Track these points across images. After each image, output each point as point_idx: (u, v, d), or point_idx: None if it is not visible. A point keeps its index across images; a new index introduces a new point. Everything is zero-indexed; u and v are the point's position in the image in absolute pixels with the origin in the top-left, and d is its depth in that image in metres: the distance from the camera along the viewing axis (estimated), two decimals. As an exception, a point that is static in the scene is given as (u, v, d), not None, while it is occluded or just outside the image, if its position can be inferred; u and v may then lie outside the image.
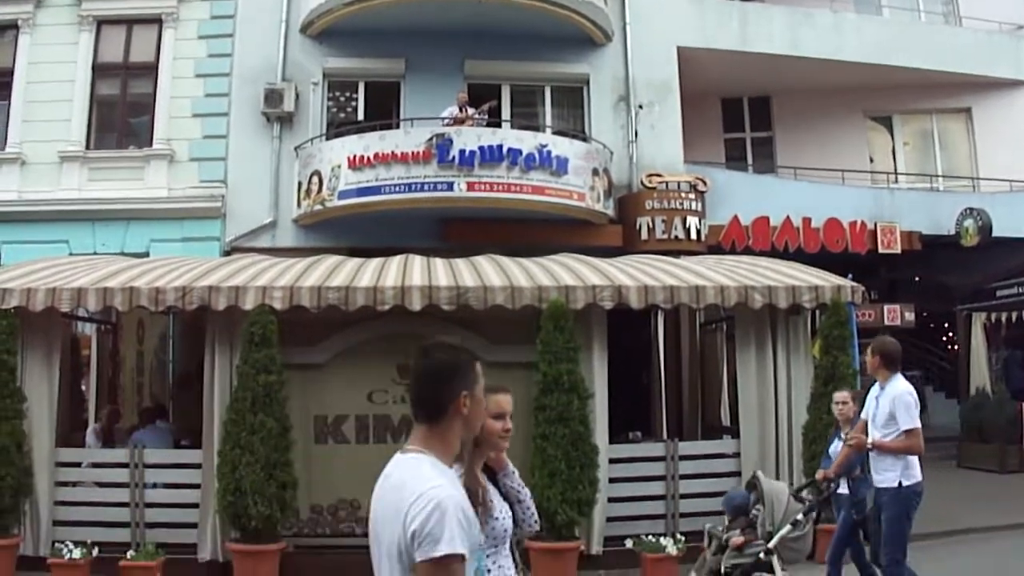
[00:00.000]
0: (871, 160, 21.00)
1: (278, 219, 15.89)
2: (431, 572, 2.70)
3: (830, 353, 11.12)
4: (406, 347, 10.98)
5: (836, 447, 8.58)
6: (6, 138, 16.31)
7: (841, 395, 8.93)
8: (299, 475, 10.50)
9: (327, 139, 15.73)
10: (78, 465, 11.24)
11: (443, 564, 2.69)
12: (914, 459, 7.46)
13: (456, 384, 3.02)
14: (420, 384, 3.06)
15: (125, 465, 10.78)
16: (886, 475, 7.44)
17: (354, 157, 14.62)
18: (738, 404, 11.65)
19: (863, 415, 7.89)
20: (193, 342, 12.82)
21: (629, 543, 10.45)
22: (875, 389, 7.73)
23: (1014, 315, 18.16)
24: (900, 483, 7.35)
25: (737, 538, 7.35)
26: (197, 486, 10.71)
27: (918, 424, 7.38)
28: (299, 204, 15.54)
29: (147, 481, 10.78)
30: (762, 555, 7.14)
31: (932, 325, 23.46)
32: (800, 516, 7.25)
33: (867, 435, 7.62)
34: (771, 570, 7.16)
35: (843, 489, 8.35)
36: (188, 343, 14.12)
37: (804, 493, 8.20)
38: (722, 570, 7.29)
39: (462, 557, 2.71)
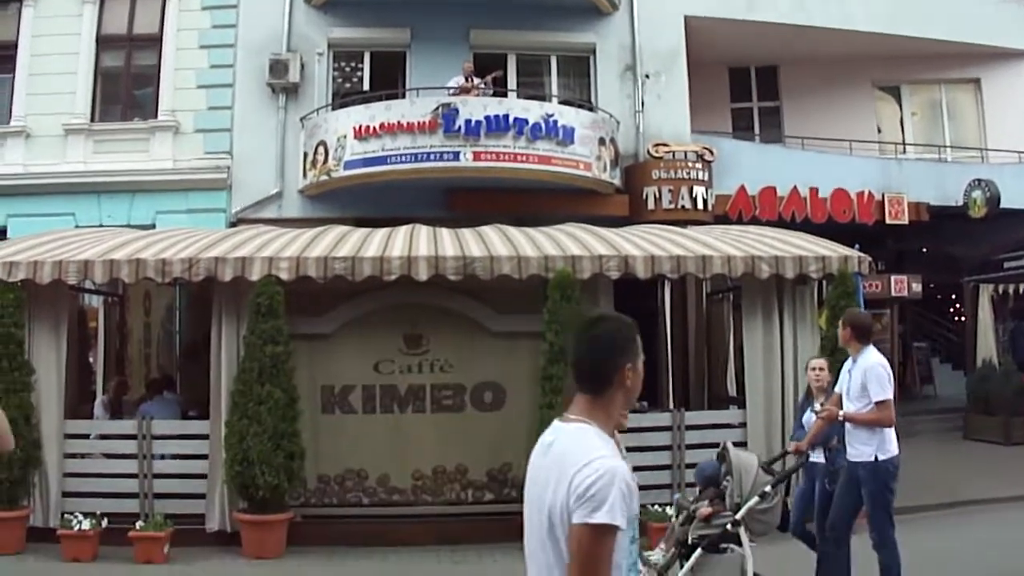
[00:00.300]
0: (879, 130, 20.89)
1: (284, 190, 15.86)
2: (585, 536, 2.74)
3: (836, 324, 11.07)
4: (412, 317, 11.10)
5: (808, 418, 8.50)
6: (11, 111, 16.27)
7: (818, 362, 8.83)
8: (306, 445, 10.55)
9: (332, 109, 15.65)
10: (86, 437, 11.30)
11: (598, 531, 2.73)
12: (890, 432, 7.44)
13: (622, 356, 3.01)
14: (586, 354, 3.03)
15: (133, 436, 10.83)
16: (862, 449, 7.42)
17: (360, 127, 14.56)
18: (744, 374, 11.65)
19: (837, 388, 7.84)
20: (200, 313, 12.83)
21: (635, 513, 10.47)
22: (848, 362, 7.69)
23: (1021, 287, 18.12)
24: (876, 457, 7.34)
25: (704, 509, 7.27)
26: (205, 457, 10.75)
27: (890, 396, 7.34)
28: (305, 175, 15.51)
29: (155, 452, 10.82)
30: (729, 526, 7.09)
31: (939, 296, 23.45)
32: (769, 488, 7.17)
33: (841, 408, 7.59)
34: (738, 541, 7.12)
35: (819, 458, 8.30)
36: (195, 314, 14.15)
37: (775, 465, 8.16)
38: (689, 540, 7.26)
39: (616, 529, 2.74)
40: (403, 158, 14.31)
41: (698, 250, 11.15)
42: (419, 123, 14.30)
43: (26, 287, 10.49)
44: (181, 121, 16.03)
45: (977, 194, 18.62)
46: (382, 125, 14.43)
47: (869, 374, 7.36)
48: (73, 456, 10.92)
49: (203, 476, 10.71)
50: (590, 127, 15.24)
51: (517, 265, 10.55)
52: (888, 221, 17.86)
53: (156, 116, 16.18)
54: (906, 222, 18.11)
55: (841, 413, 7.54)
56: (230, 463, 10.15)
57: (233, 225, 14.94)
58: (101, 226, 14.40)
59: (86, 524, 9.95)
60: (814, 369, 8.73)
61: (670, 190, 15.70)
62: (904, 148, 20.74)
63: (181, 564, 9.87)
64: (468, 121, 14.26)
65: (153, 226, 14.55)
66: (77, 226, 14.63)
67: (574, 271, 10.58)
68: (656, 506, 10.35)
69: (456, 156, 14.24)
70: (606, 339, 3.03)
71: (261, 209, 15.69)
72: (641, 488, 9.42)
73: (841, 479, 7.68)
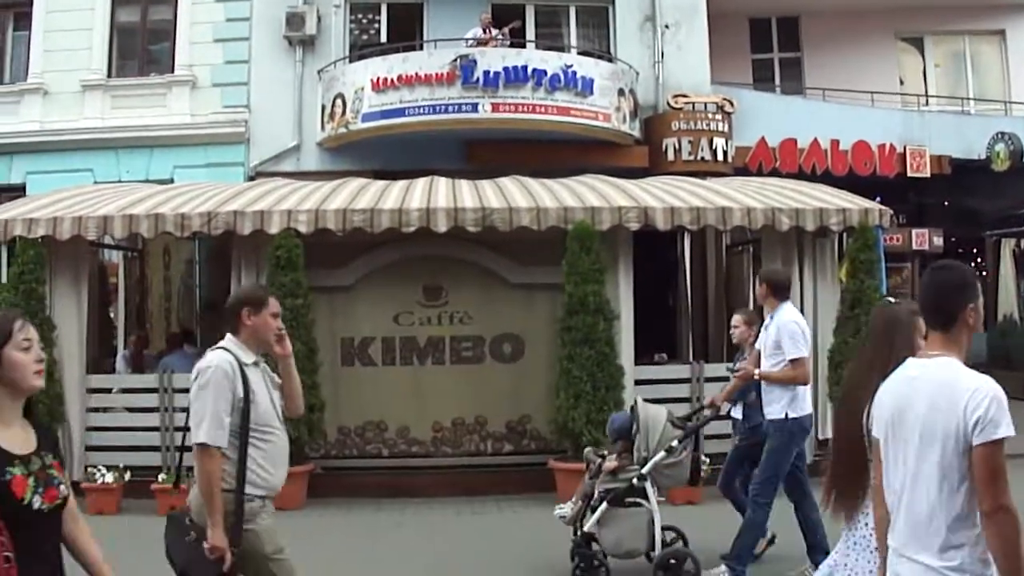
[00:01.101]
0: (901, 82, 20.65)
1: (302, 143, 15.80)
2: (990, 452, 3.16)
3: (857, 277, 11.03)
4: (432, 269, 11.10)
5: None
6: (27, 68, 16.25)
7: (736, 318, 8.50)
8: (326, 398, 10.61)
9: (350, 62, 15.56)
10: (108, 391, 11.34)
11: (1000, 445, 3.16)
12: (803, 391, 7.29)
13: (966, 295, 3.43)
14: (934, 294, 3.49)
15: (155, 390, 10.88)
16: (774, 407, 7.27)
17: (377, 79, 14.48)
18: (764, 327, 11.60)
19: (757, 345, 7.65)
20: (219, 267, 12.87)
21: (655, 464, 10.50)
22: (767, 319, 7.53)
23: (1044, 242, 17.97)
24: (786, 415, 7.17)
25: (610, 463, 7.22)
26: (226, 409, 10.78)
27: (804, 353, 7.21)
28: (323, 127, 15.44)
29: (176, 405, 10.87)
30: (635, 481, 7.07)
31: (960, 251, 23.23)
32: (675, 443, 7.10)
33: (759, 366, 7.43)
34: (645, 495, 7.10)
35: (739, 414, 8.15)
36: (214, 268, 14.18)
37: (696, 419, 8.01)
38: (595, 494, 7.23)
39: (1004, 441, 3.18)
40: (421, 110, 14.24)
41: (718, 202, 11.08)
42: (437, 75, 14.20)
43: (46, 243, 10.51)
44: (198, 75, 15.96)
45: (1000, 147, 18.44)
46: (400, 77, 14.33)
47: (783, 331, 7.22)
48: (95, 410, 11.01)
49: (224, 429, 10.75)
50: (609, 78, 15.11)
51: (536, 216, 10.52)
52: (910, 174, 17.69)
53: (173, 71, 16.12)
54: (928, 175, 17.95)
55: (756, 371, 7.42)
56: (250, 416, 10.18)
57: (251, 179, 14.88)
58: (120, 182, 14.41)
59: (109, 477, 10.04)
60: (735, 326, 8.38)
61: (690, 141, 15.55)
62: (927, 100, 20.52)
63: (203, 515, 9.94)
64: (486, 72, 14.16)
65: (171, 181, 14.54)
66: (96, 182, 14.63)
67: (593, 222, 10.53)
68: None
69: (474, 108, 14.17)
70: (951, 280, 3.49)
71: (279, 162, 15.65)
72: (661, 439, 9.35)
73: (767, 443, 7.39)
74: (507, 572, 8.01)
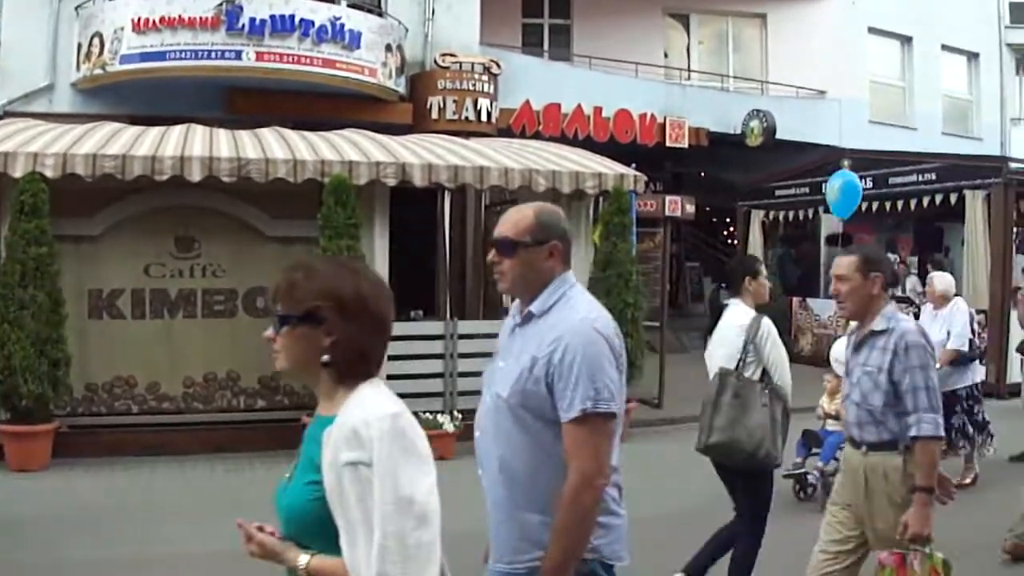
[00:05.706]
0: (666, 56, 21.53)
1: (56, 82, 14.93)
2: None
3: (609, 239, 11.50)
4: (184, 219, 10.85)
5: None
6: None
7: None
8: (72, 352, 10.14)
9: None
10: None
11: None
12: None
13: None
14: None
15: None
16: None
17: (138, 20, 13.86)
18: (520, 286, 11.90)
19: None
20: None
21: (407, 419, 10.64)
22: None
23: (790, 214, 19.04)
24: None
25: None
26: (-38, 364, 10.25)
27: None
28: (78, 67, 14.68)
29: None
30: None
31: (714, 219, 24.50)
32: None
33: None
34: None
35: None
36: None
37: None
38: None
39: None
40: (183, 54, 13.75)
41: (477, 161, 11.27)
42: (201, 19, 13.73)
43: None
44: (-59, 4, 14.92)
45: (755, 124, 19.56)
46: (162, 19, 13.79)
47: None
48: None
49: (-40, 384, 10.23)
50: (377, 32, 15.05)
51: (293, 168, 10.41)
52: (668, 144, 18.53)
53: (-88, -3, 14.99)
54: (686, 146, 18.85)
55: None
56: (-10, 371, 9.72)
57: (-1, 119, 14.09)
58: None
59: None
60: None
61: (455, 101, 15.70)
62: (689, 75, 21.45)
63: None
64: (252, 20, 13.80)
65: (-93, 116, 13.59)
66: None
67: (350, 177, 10.51)
68: (427, 414, 10.53)
69: (238, 55, 13.80)
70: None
71: (30, 102, 14.76)
72: (413, 396, 9.62)
73: None
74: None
